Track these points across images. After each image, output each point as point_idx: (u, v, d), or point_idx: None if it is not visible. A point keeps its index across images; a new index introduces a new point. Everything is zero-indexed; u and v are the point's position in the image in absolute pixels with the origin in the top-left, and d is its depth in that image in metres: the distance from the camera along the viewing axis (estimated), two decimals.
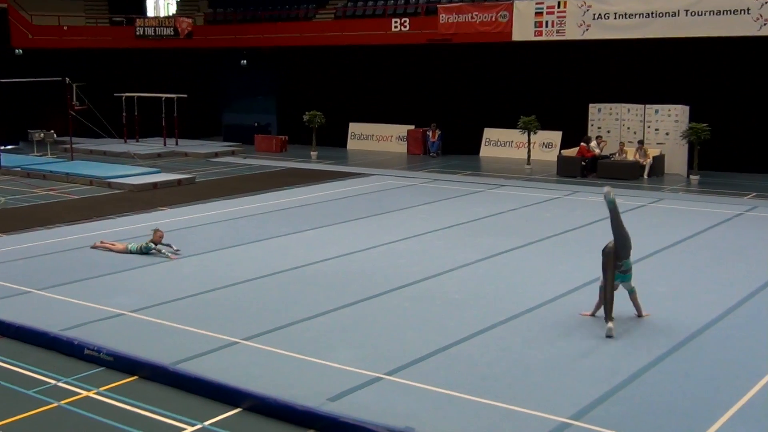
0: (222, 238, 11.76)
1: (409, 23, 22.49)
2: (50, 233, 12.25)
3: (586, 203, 14.51)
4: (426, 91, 22.89)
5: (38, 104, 25.36)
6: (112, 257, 10.59)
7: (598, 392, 6.13)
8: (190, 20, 26.90)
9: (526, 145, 19.46)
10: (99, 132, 21.69)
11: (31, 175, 18.50)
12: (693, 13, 17.86)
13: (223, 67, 27.65)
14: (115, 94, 24.61)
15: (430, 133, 22.48)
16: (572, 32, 19.52)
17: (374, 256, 10.55)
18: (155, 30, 26.43)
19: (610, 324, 7.41)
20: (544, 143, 21.06)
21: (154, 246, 10.58)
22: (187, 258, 10.53)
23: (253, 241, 11.52)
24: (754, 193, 15.61)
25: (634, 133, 18.84)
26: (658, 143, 18.48)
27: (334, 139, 24.02)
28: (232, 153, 23.08)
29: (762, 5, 17.02)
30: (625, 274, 7.71)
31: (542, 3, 19.97)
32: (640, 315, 7.91)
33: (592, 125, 19.58)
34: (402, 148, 23.32)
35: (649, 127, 18.71)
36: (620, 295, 7.85)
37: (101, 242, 11.20)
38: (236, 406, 6.09)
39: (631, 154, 18.02)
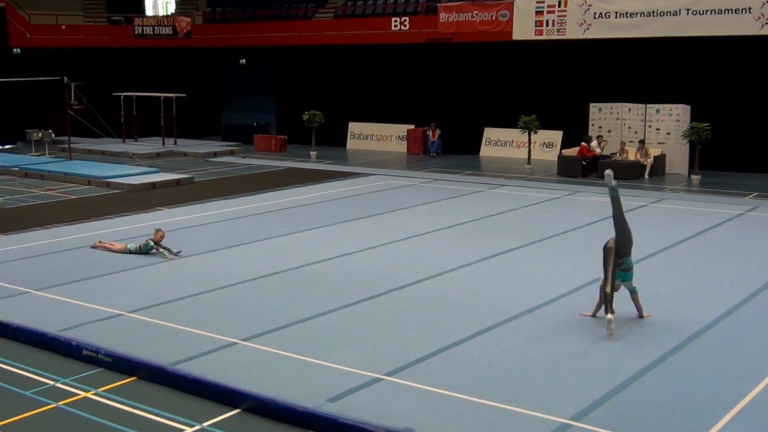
0: (221, 238, 11.73)
1: (408, 22, 22.46)
2: (48, 233, 12.22)
3: (587, 203, 14.50)
4: (426, 91, 22.86)
5: (36, 104, 25.34)
6: (110, 257, 10.56)
7: (598, 393, 6.11)
8: (188, 19, 26.87)
9: (527, 144, 19.44)
10: (97, 132, 21.64)
11: (29, 174, 18.47)
12: (694, 12, 17.83)
13: (222, 67, 27.63)
14: (114, 94, 24.57)
15: (430, 133, 22.45)
16: (573, 31, 19.49)
17: (374, 257, 10.53)
18: (154, 29, 26.40)
19: (609, 316, 7.37)
20: (544, 143, 21.04)
21: (154, 244, 10.55)
22: (186, 258, 10.51)
23: (252, 242, 11.50)
24: (756, 193, 15.59)
25: (635, 132, 18.82)
26: (659, 143, 18.46)
27: (333, 139, 24.00)
28: (231, 153, 23.05)
29: (763, 4, 16.99)
30: (626, 273, 7.68)
31: (543, 2, 19.93)
32: (641, 316, 7.89)
33: (593, 125, 19.56)
34: (402, 147, 23.30)
35: (650, 126, 18.69)
36: (621, 295, 7.83)
37: (100, 242, 11.17)
38: (235, 407, 6.07)
39: (632, 154, 18.00)
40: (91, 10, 28.46)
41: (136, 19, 26.85)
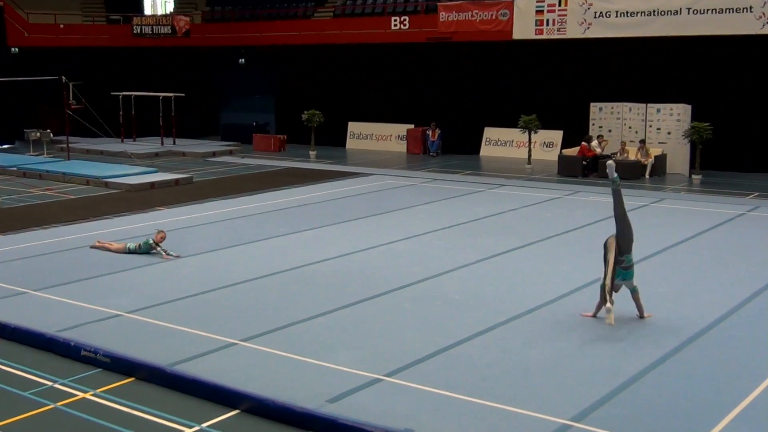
0: (220, 238, 11.71)
1: (408, 21, 22.42)
2: (47, 233, 12.20)
3: (587, 203, 14.47)
4: (426, 90, 22.84)
5: (34, 103, 25.31)
6: (109, 258, 10.53)
7: (598, 393, 6.10)
8: (187, 18, 26.83)
9: (527, 144, 19.42)
10: (96, 131, 21.62)
11: (28, 174, 18.44)
12: (695, 12, 17.79)
13: (221, 66, 27.59)
14: (112, 93, 24.55)
15: (429, 133, 22.43)
16: (573, 31, 19.46)
17: (374, 257, 10.51)
18: (152, 28, 26.37)
19: (609, 305, 7.37)
20: (544, 143, 21.02)
21: (153, 244, 10.53)
22: (185, 258, 10.48)
23: (251, 242, 11.47)
24: (757, 193, 15.58)
25: (636, 132, 18.80)
26: (659, 143, 18.44)
27: (333, 139, 23.97)
28: (230, 152, 23.03)
29: (764, 3, 16.96)
30: (627, 271, 7.66)
31: (543, 1, 19.90)
32: (641, 316, 7.86)
33: (593, 124, 19.54)
34: (401, 147, 23.27)
35: (650, 126, 18.67)
36: (622, 295, 7.83)
37: (99, 242, 11.14)
38: (234, 408, 6.05)
39: (632, 154, 17.97)
40: (89, 10, 28.43)
41: (134, 18, 26.83)
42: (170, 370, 6.56)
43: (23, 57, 24.76)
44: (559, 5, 19.62)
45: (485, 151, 22.26)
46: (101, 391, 6.40)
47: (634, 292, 7.79)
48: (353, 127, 24.71)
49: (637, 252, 8.03)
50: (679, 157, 18.21)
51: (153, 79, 25.74)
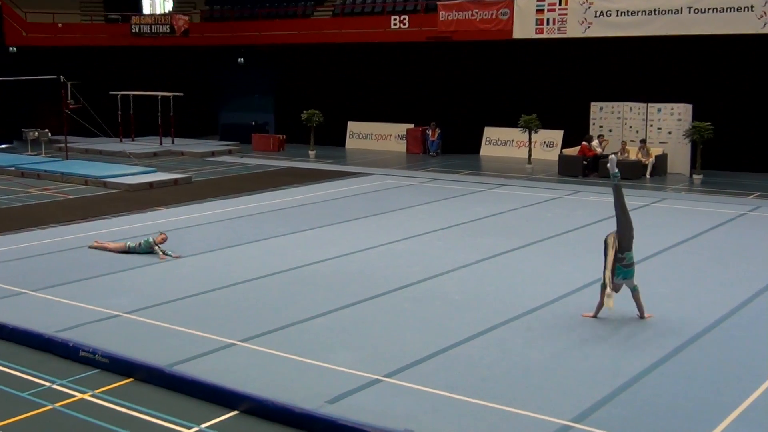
0: (219, 238, 11.68)
1: (408, 21, 22.39)
2: (45, 233, 12.17)
3: (588, 203, 14.45)
4: (425, 90, 22.81)
5: (33, 103, 25.26)
6: (107, 258, 10.51)
7: (599, 394, 6.08)
8: (186, 17, 26.77)
9: (527, 144, 19.39)
10: (94, 131, 21.60)
11: (26, 174, 18.41)
12: (696, 11, 17.75)
13: (220, 65, 27.54)
14: (111, 93, 24.50)
15: (429, 132, 22.40)
16: (574, 30, 19.42)
17: (373, 257, 10.49)
18: (151, 27, 26.33)
19: (608, 290, 7.41)
20: (545, 142, 20.99)
21: (153, 243, 10.53)
22: (183, 258, 10.47)
23: (250, 242, 11.45)
24: (758, 193, 15.56)
25: (637, 132, 18.77)
26: (660, 142, 18.41)
27: (332, 138, 23.94)
28: (229, 152, 22.99)
29: (766, 3, 16.91)
30: (627, 269, 7.65)
31: (543, 0, 19.85)
32: (642, 316, 7.84)
33: (594, 124, 19.52)
34: (401, 147, 23.24)
35: (651, 125, 18.64)
36: (622, 295, 7.81)
37: (96, 242, 11.12)
38: (233, 409, 6.04)
39: (633, 154, 17.94)
40: (87, 9, 28.38)
41: (133, 17, 26.78)
42: (169, 371, 6.55)
43: (21, 56, 24.73)
44: (560, 4, 19.57)
45: (485, 150, 22.23)
46: (100, 392, 6.39)
47: (634, 291, 7.77)
48: (353, 126, 24.68)
49: (637, 252, 8.02)
50: (679, 157, 18.18)
51: (152, 78, 25.70)
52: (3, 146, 24.21)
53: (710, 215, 13.23)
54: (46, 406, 6.15)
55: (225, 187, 16.59)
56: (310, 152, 21.97)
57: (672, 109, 18.31)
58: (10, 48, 24.71)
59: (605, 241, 7.70)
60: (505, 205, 14.19)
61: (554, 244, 11.21)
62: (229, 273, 9.65)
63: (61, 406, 6.15)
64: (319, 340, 7.31)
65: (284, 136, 24.14)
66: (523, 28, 20.15)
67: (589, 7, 19.16)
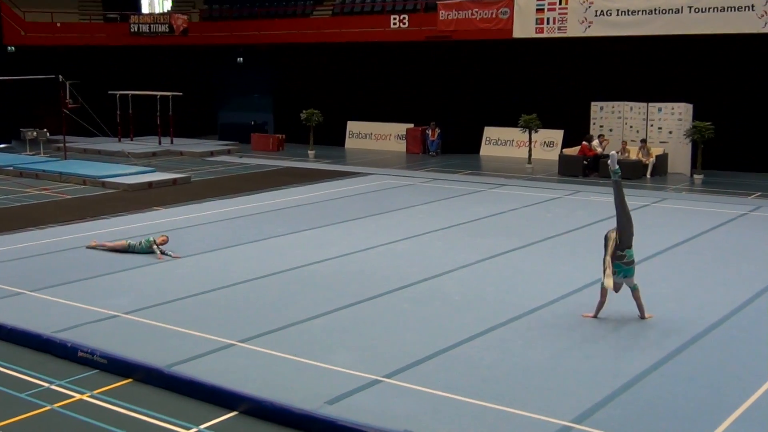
0: (218, 238, 11.66)
1: (408, 20, 22.36)
2: (43, 233, 12.14)
3: (588, 203, 14.43)
4: (425, 89, 22.78)
5: (31, 102, 25.22)
6: (106, 258, 10.48)
7: (600, 395, 6.06)
8: (185, 17, 26.74)
9: (527, 143, 19.37)
10: (93, 130, 21.56)
11: (24, 174, 18.37)
12: (696, 10, 17.71)
13: (219, 65, 27.52)
14: (109, 92, 24.48)
15: (429, 132, 22.37)
16: (574, 29, 19.39)
17: (373, 257, 10.46)
18: (150, 27, 26.29)
19: (608, 271, 7.49)
20: (545, 142, 20.97)
21: (153, 243, 10.51)
22: (182, 259, 10.44)
23: (249, 242, 11.42)
24: (759, 193, 15.54)
25: (637, 131, 18.75)
26: (661, 142, 18.39)
27: (331, 138, 23.91)
28: (228, 152, 22.96)
29: (766, 2, 16.88)
30: (628, 267, 7.64)
31: (543, 0, 19.83)
32: (642, 317, 7.81)
33: (594, 124, 19.49)
34: (401, 147, 23.21)
35: (652, 125, 18.62)
36: (623, 295, 7.80)
37: (94, 242, 11.10)
38: (232, 410, 6.02)
39: (633, 153, 17.92)
40: (86, 8, 28.35)
41: (132, 16, 26.74)
42: (168, 372, 6.53)
43: (20, 56, 24.69)
44: (560, 4, 19.53)
45: (485, 150, 22.21)
46: (98, 393, 6.37)
47: (634, 290, 7.75)
48: (352, 126, 24.65)
49: (638, 252, 8.00)
50: (680, 157, 18.15)
51: (150, 78, 25.67)
52: (1, 146, 24.18)
53: (711, 215, 13.20)
54: (45, 406, 6.13)
55: (224, 187, 16.56)
56: (309, 152, 21.94)
57: (672, 108, 18.29)
58: (9, 47, 24.67)
59: (606, 237, 7.73)
60: (505, 205, 14.17)
61: (554, 244, 11.19)
62: (228, 273, 9.63)
63: (59, 406, 6.13)
64: (319, 340, 7.29)
65: (283, 136, 24.10)
66: (523, 28, 20.12)
67: (590, 7, 19.13)
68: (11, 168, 18.85)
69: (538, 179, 17.47)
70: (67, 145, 21.19)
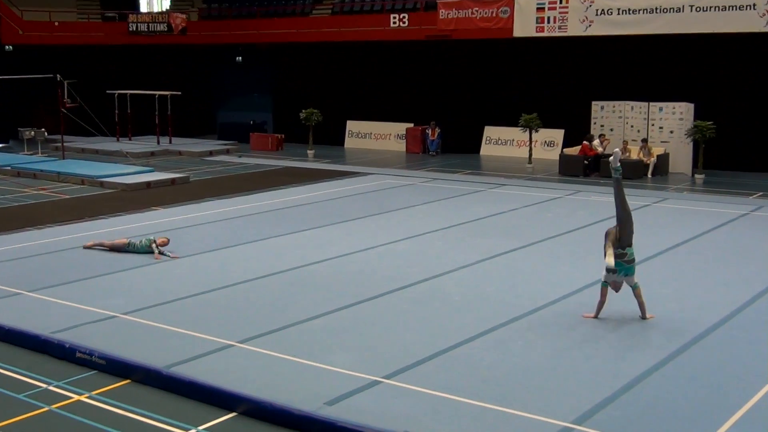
0: (217, 238, 11.63)
1: (408, 19, 22.32)
2: (41, 233, 12.11)
3: (589, 203, 14.40)
4: (425, 89, 22.75)
5: (29, 102, 25.18)
6: (104, 258, 10.45)
7: (600, 396, 6.05)
8: (184, 16, 26.71)
9: (528, 143, 19.34)
10: (91, 130, 21.52)
11: (22, 174, 18.33)
12: (698, 9, 17.68)
13: (217, 64, 27.47)
14: (108, 92, 24.43)
15: (429, 132, 22.34)
16: (574, 28, 19.36)
17: (372, 257, 10.44)
18: (148, 26, 26.24)
19: (610, 251, 7.52)
20: (545, 142, 20.93)
21: (153, 243, 10.50)
22: (181, 259, 10.42)
23: (248, 242, 11.40)
24: (760, 193, 15.51)
25: (638, 131, 18.73)
26: (662, 141, 18.36)
27: (331, 138, 23.88)
28: (227, 151, 22.93)
29: None
30: (629, 266, 7.63)
31: None
32: (643, 317, 7.79)
33: (595, 123, 19.46)
34: (401, 146, 23.18)
35: (653, 125, 18.59)
36: (623, 295, 7.79)
37: (94, 242, 11.06)
38: (231, 411, 6.00)
39: (634, 153, 17.89)
40: (84, 7, 28.29)
41: (130, 15, 26.69)
42: (166, 372, 6.51)
43: (17, 55, 24.64)
44: (560, 3, 19.49)
45: (485, 150, 22.18)
46: (96, 394, 6.35)
47: (635, 289, 7.73)
48: (352, 125, 24.62)
49: (638, 252, 8.00)
50: (681, 157, 18.12)
51: (149, 77, 25.63)
52: None
53: (712, 215, 13.17)
54: (43, 407, 6.11)
55: (223, 187, 16.53)
56: (308, 152, 21.90)
57: (674, 108, 18.26)
58: (6, 46, 24.61)
59: (606, 233, 7.73)
60: (506, 205, 14.14)
61: (555, 244, 11.16)
62: (227, 273, 9.60)
63: (57, 407, 6.11)
64: (318, 341, 7.27)
65: (283, 136, 24.07)
66: (524, 27, 20.09)
67: (590, 6, 19.10)
68: (9, 168, 18.81)
69: (539, 179, 17.44)
70: (65, 144, 21.16)
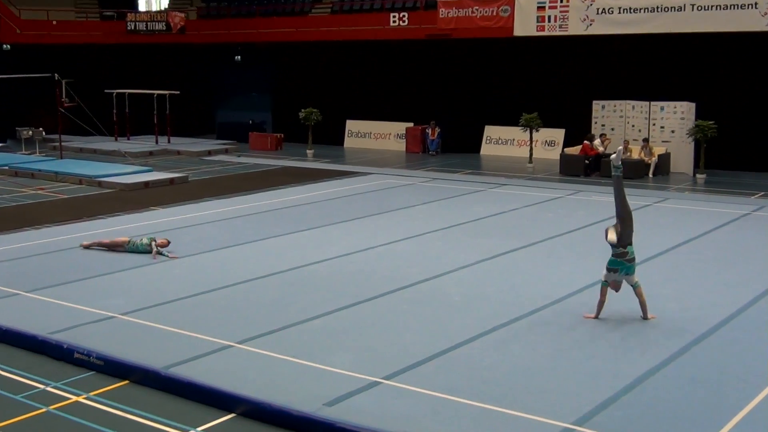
0: (216, 238, 11.61)
1: (407, 18, 22.30)
2: (39, 233, 12.09)
3: (590, 203, 14.38)
4: (425, 88, 22.73)
5: (27, 101, 25.14)
6: (102, 258, 10.43)
7: (601, 397, 6.03)
8: (182, 15, 26.68)
9: (528, 143, 19.32)
10: (89, 130, 21.51)
11: (20, 173, 18.30)
12: (699, 8, 17.65)
13: (216, 63, 27.43)
14: (106, 91, 24.38)
15: (429, 131, 22.32)
16: (575, 27, 19.33)
17: (372, 257, 10.42)
18: (147, 25, 26.22)
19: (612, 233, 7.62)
20: (546, 141, 20.91)
21: (153, 243, 10.47)
22: (180, 259, 10.40)
23: (247, 242, 11.38)
24: (762, 193, 15.49)
25: (639, 130, 18.71)
26: (663, 141, 18.34)
27: (330, 137, 23.85)
28: (226, 151, 22.90)
29: None
30: (629, 264, 7.62)
31: None
32: (645, 317, 7.76)
33: (596, 123, 19.44)
34: (400, 146, 23.16)
35: (654, 124, 18.57)
36: (624, 295, 7.77)
37: (93, 241, 11.03)
38: (230, 412, 5.99)
39: (635, 153, 17.86)
40: (82, 6, 28.27)
41: (128, 14, 26.67)
42: (165, 373, 6.49)
43: (15, 54, 24.61)
44: (561, 1, 19.46)
45: (486, 149, 22.15)
46: (94, 395, 6.33)
47: (636, 288, 7.71)
48: (351, 125, 24.59)
49: (640, 252, 8.00)
50: (683, 156, 18.09)
51: (147, 76, 25.59)
52: None
53: (713, 215, 13.15)
54: (40, 408, 6.10)
55: (222, 187, 16.50)
56: (308, 151, 21.87)
57: (675, 107, 18.23)
58: (4, 45, 24.58)
59: (606, 230, 7.73)
60: (506, 204, 14.12)
61: (555, 244, 11.14)
62: (226, 274, 9.58)
63: (55, 408, 6.10)
64: (318, 341, 7.25)
65: (282, 135, 24.04)
66: (524, 26, 20.06)
67: (591, 5, 19.07)
68: (7, 167, 18.76)
69: (539, 179, 17.42)
70: (63, 144, 21.11)
